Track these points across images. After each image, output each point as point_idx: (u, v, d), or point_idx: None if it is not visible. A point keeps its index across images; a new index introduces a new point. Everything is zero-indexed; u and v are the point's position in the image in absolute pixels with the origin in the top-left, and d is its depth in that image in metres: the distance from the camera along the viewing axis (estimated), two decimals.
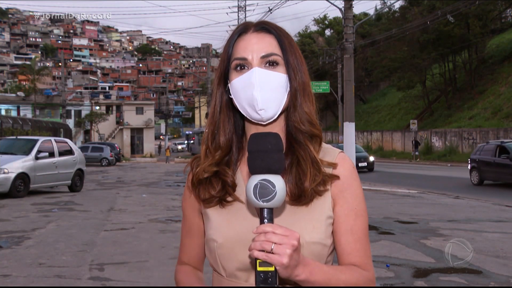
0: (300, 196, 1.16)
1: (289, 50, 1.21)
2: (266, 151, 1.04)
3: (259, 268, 0.99)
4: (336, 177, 1.19)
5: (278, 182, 1.01)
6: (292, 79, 1.20)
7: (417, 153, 34.63)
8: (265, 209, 1.02)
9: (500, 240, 7.56)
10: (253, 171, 1.04)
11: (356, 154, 23.41)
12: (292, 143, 1.21)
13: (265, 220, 1.02)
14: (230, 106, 1.23)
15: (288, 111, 1.22)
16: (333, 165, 1.20)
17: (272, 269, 0.99)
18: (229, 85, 1.21)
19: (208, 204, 1.22)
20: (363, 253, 1.20)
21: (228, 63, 1.21)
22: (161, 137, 75.17)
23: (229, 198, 1.21)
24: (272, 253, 0.97)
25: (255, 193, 1.01)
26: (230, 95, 1.21)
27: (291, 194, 1.16)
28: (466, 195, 14.12)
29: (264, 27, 1.22)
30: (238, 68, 1.19)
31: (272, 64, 1.18)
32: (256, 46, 1.18)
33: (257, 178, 1.02)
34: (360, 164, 23.85)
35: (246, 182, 1.20)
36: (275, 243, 0.98)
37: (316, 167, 1.17)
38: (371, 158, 25.79)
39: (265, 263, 0.98)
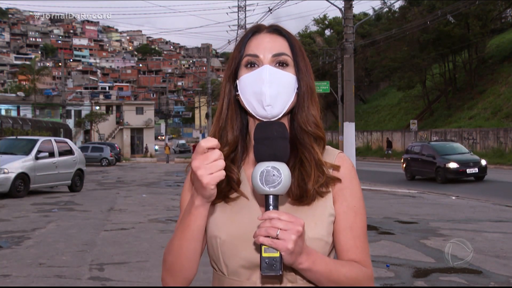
0: (302, 196, 1.18)
1: (299, 54, 1.25)
2: (272, 138, 1.06)
3: (264, 254, 1.01)
4: (338, 180, 1.22)
5: (283, 169, 1.03)
6: (301, 81, 1.23)
7: (390, 152, 36.94)
8: (271, 196, 1.04)
9: (500, 240, 7.56)
10: (259, 158, 1.06)
11: (459, 157, 18.54)
12: (296, 144, 1.22)
13: (271, 207, 1.04)
14: (237, 103, 1.25)
15: (294, 112, 1.24)
16: (336, 168, 1.22)
17: (277, 255, 1.00)
18: (237, 81, 1.23)
19: (213, 200, 1.22)
20: (362, 250, 1.21)
21: (239, 60, 1.24)
22: (158, 137, 74.64)
23: (233, 195, 1.22)
24: (278, 238, 0.99)
25: (261, 180, 1.03)
26: (237, 92, 1.23)
27: (293, 195, 1.18)
28: (466, 195, 14.12)
29: (277, 29, 1.26)
30: (249, 65, 1.21)
31: (282, 64, 1.21)
32: (269, 45, 1.22)
33: (263, 165, 1.04)
34: (468, 171, 17.87)
35: (250, 182, 1.21)
36: (280, 229, 0.99)
37: (320, 169, 1.20)
38: (483, 162, 18.46)
39: (270, 249, 1.00)
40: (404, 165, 20.74)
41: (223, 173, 1.03)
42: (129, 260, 6.28)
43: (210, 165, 1.02)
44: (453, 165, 18.00)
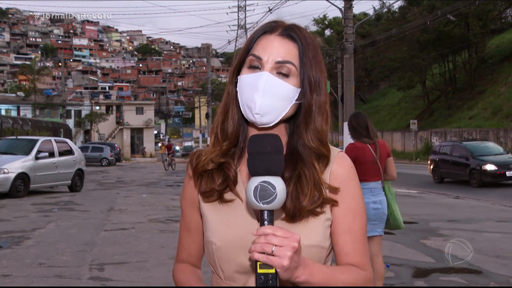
0: (294, 216, 1.14)
1: (310, 63, 1.18)
2: (266, 153, 1.03)
3: (259, 270, 0.99)
4: (335, 202, 1.18)
5: (278, 184, 1.01)
6: (307, 93, 1.17)
7: None
8: (265, 211, 1.02)
9: (500, 240, 7.56)
10: (253, 172, 1.03)
11: (496, 158, 16.77)
12: (296, 159, 1.18)
13: (266, 222, 1.02)
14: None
15: (298, 124, 1.19)
16: (334, 190, 1.18)
17: (272, 271, 0.98)
18: (238, 78, 1.20)
19: (208, 198, 1.21)
20: (360, 253, 1.19)
21: (245, 57, 1.20)
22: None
23: (228, 196, 1.20)
24: (273, 255, 0.97)
25: (256, 195, 1.00)
26: (237, 88, 1.20)
27: (286, 210, 1.14)
28: (466, 195, 14.12)
29: (290, 34, 1.19)
30: (251, 66, 1.18)
31: (284, 74, 1.16)
32: (276, 50, 1.16)
33: (257, 180, 1.01)
34: (508, 173, 16.03)
35: (245, 183, 1.18)
36: (275, 245, 0.97)
37: (318, 189, 1.16)
38: None
39: (265, 265, 0.98)
40: (431, 167, 19.20)
41: None
42: (129, 260, 6.28)
43: None
44: (490, 167, 16.27)
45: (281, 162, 1.03)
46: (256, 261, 0.99)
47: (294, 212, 1.14)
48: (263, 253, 0.97)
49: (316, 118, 1.18)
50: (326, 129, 1.20)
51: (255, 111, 1.14)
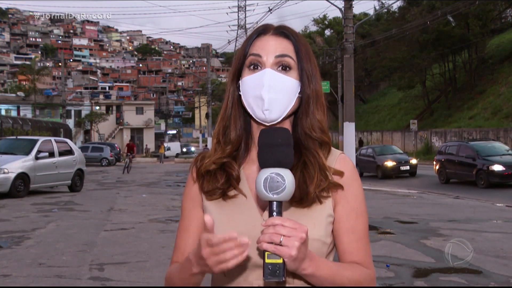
0: (302, 198, 1.17)
1: (305, 57, 1.23)
2: (276, 145, 1.06)
3: (267, 260, 1.01)
4: (340, 187, 1.20)
5: (288, 175, 1.03)
6: (305, 85, 1.22)
7: None
8: (274, 202, 1.04)
9: (500, 240, 7.56)
10: (263, 164, 1.06)
11: (504, 158, 16.37)
12: (300, 148, 1.22)
13: (274, 213, 1.04)
14: (241, 103, 1.24)
15: (299, 117, 1.23)
16: (340, 173, 1.21)
17: (280, 261, 1.01)
18: (240, 82, 1.23)
19: (211, 196, 1.23)
20: (364, 252, 1.22)
21: (244, 60, 1.23)
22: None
23: (232, 192, 1.22)
24: (281, 245, 0.99)
25: (265, 186, 1.03)
26: (240, 92, 1.23)
27: (293, 196, 1.15)
28: (466, 195, 14.12)
29: (283, 31, 1.24)
30: (252, 67, 1.21)
31: (284, 68, 1.20)
32: (273, 47, 1.21)
33: (267, 172, 1.04)
34: None
35: (249, 180, 1.22)
36: (284, 235, 0.99)
37: (323, 173, 1.19)
38: None
39: (273, 255, 1.00)
40: (437, 167, 18.85)
41: (234, 262, 0.99)
42: (129, 260, 6.28)
43: (221, 257, 1.00)
44: (497, 167, 15.92)
45: (291, 155, 1.06)
46: (264, 251, 1.01)
47: (301, 195, 1.16)
48: (272, 243, 0.99)
49: (315, 108, 1.23)
50: (324, 119, 1.24)
51: (265, 107, 1.17)
